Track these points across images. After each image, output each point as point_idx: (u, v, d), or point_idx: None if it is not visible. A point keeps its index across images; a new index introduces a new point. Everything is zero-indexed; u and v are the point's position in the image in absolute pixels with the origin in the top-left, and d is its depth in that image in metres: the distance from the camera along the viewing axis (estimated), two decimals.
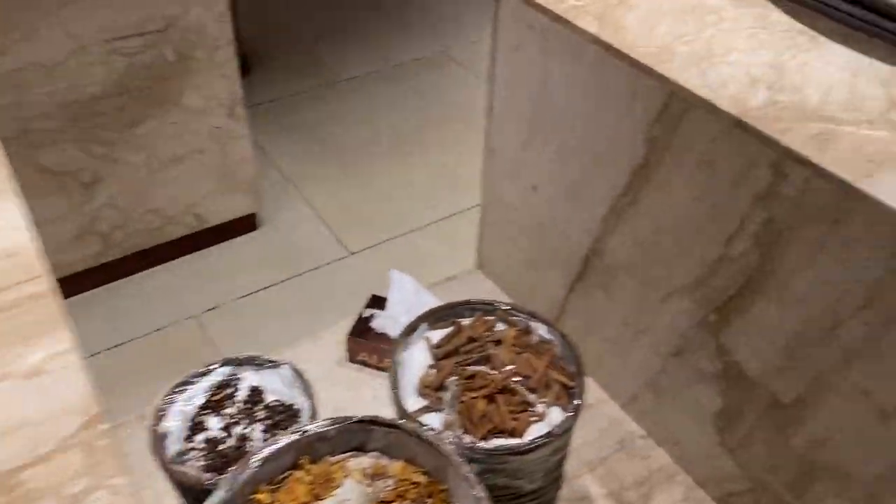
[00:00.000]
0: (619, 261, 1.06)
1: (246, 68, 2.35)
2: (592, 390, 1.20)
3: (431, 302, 1.23)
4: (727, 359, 0.94)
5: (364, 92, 2.29)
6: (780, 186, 0.79)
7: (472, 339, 0.94)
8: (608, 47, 0.95)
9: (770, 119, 0.83)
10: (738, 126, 0.82)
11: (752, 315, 0.88)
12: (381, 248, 1.77)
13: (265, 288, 1.68)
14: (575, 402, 0.86)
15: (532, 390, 0.89)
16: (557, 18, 1.01)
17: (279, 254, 1.76)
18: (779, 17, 1.02)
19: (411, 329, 0.95)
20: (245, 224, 1.78)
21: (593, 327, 1.17)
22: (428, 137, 2.10)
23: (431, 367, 0.91)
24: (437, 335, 0.96)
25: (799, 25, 1.00)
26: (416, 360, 0.92)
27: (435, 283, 1.39)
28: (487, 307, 0.98)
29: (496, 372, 0.90)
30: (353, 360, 1.21)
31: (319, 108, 2.23)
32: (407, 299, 1.21)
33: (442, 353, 0.93)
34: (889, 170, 0.76)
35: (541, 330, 0.95)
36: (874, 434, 0.79)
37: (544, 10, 1.02)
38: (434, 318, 0.96)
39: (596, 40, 0.96)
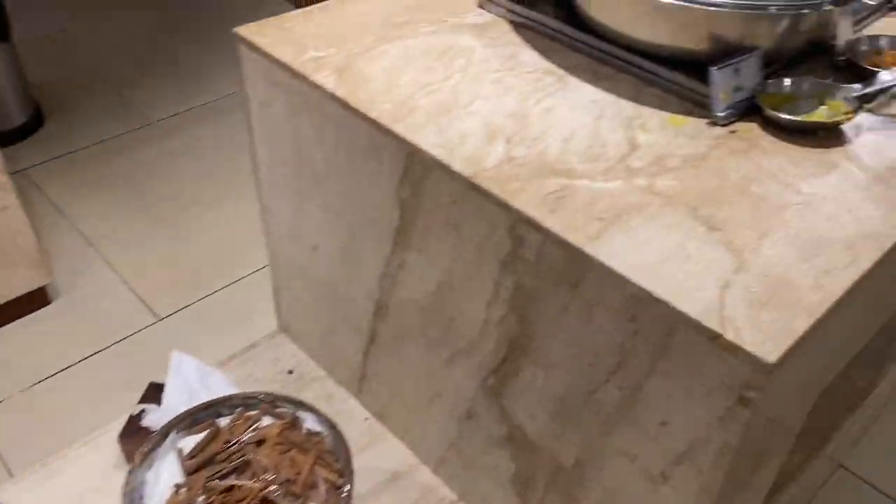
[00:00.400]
0: (402, 324, 0.99)
1: (39, 119, 2.13)
2: (404, 456, 1.12)
3: (220, 384, 1.11)
4: (510, 423, 0.88)
5: (177, 134, 2.13)
6: (519, 251, 0.73)
7: (230, 443, 0.84)
8: (345, 105, 0.87)
9: (505, 178, 0.77)
10: (473, 189, 0.76)
11: (523, 379, 0.82)
12: (191, 309, 1.62)
13: (60, 371, 1.50)
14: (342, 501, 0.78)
15: (296, 496, 0.79)
16: (295, 74, 0.92)
17: (77, 328, 1.58)
18: (529, 55, 0.98)
19: (159, 439, 0.83)
20: (34, 300, 1.59)
21: (394, 391, 1.09)
22: (244, 180, 1.97)
23: (181, 485, 0.80)
24: (194, 441, 0.85)
25: (547, 64, 0.96)
26: (164, 477, 0.81)
27: (234, 354, 1.27)
28: (249, 401, 0.88)
29: (256, 480, 0.80)
30: (130, 462, 1.07)
31: (126, 156, 2.05)
32: (188, 386, 1.08)
33: (194, 466, 0.82)
34: (617, 228, 0.72)
35: (309, 421, 0.86)
36: (648, 497, 0.75)
37: (282, 65, 0.93)
38: (187, 422, 0.85)
39: (333, 97, 0.88)
